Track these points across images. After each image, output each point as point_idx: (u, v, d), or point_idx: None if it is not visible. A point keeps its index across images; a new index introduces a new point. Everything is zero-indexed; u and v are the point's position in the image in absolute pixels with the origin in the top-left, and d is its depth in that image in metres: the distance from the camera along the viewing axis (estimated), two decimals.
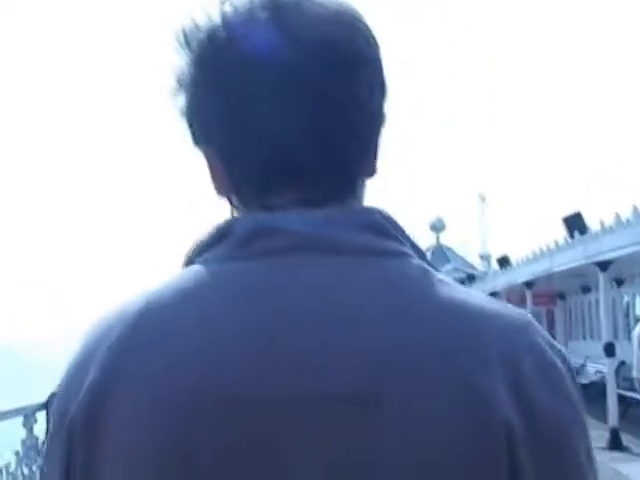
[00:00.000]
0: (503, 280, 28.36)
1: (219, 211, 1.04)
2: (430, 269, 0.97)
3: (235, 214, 1.03)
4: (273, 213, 0.97)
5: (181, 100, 1.03)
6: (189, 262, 1.00)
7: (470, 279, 39.42)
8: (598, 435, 14.28)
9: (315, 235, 0.95)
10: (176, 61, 1.03)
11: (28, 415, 7.23)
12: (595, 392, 18.26)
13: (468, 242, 64.37)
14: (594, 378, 20.43)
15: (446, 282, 0.96)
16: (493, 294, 30.43)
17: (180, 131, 1.05)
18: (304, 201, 0.98)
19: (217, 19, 1.00)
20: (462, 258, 61.68)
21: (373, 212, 0.99)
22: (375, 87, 1.02)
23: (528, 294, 23.82)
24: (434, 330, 0.91)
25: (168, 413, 0.89)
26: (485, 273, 41.16)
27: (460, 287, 0.97)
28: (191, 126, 1.03)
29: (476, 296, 0.97)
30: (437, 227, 62.90)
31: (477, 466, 0.88)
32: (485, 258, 56.15)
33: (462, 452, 0.88)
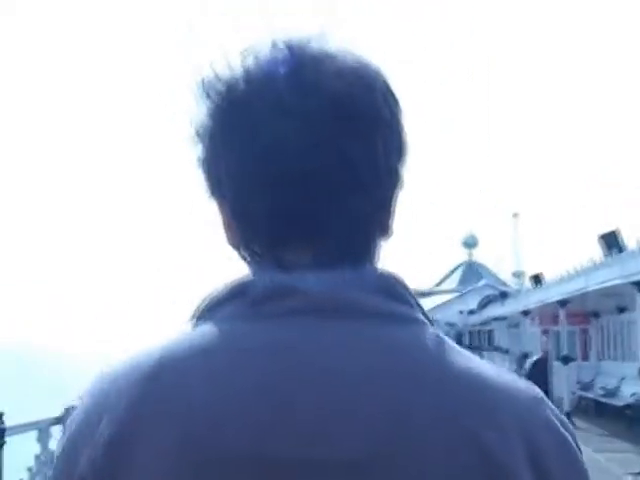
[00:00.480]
0: (536, 298, 27.93)
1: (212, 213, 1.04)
2: (445, 338, 0.98)
3: (247, 267, 1.02)
4: (289, 273, 0.96)
5: (198, 150, 1.02)
6: (200, 316, 0.99)
7: (502, 296, 39.07)
8: (634, 459, 13.88)
9: (331, 298, 0.95)
10: (195, 111, 1.02)
11: (42, 429, 7.00)
12: (630, 414, 17.81)
13: (501, 259, 63.82)
14: (629, 400, 19.95)
15: (461, 352, 0.97)
16: (525, 312, 30.07)
17: (196, 181, 1.05)
18: (318, 259, 0.97)
19: (238, 71, 1.00)
20: (495, 275, 61.19)
21: (388, 277, 0.99)
22: (391, 147, 1.01)
23: (562, 313, 23.44)
24: (448, 398, 0.91)
25: (178, 472, 0.89)
26: (518, 291, 40.62)
27: (474, 357, 0.98)
28: (206, 177, 1.03)
29: (489, 367, 0.98)
30: (470, 244, 62.60)
31: None
32: (518, 276, 55.62)
33: None
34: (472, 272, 59.63)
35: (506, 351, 36.50)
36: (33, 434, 6.88)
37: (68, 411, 7.33)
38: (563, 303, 23.30)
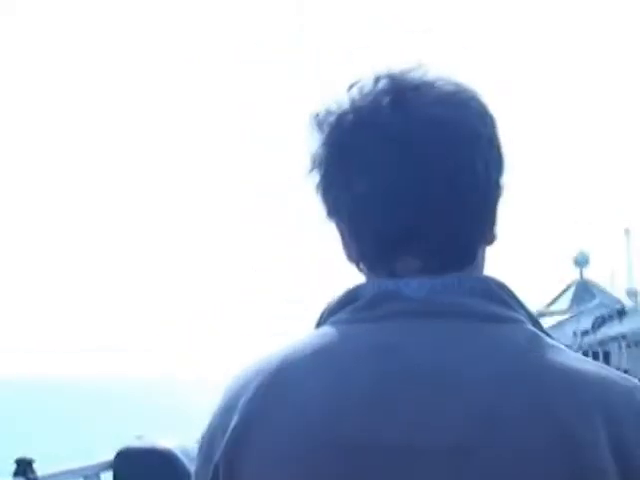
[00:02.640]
0: None
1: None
2: (541, 335, 1.06)
3: (365, 278, 1.13)
4: (395, 280, 1.08)
5: (315, 177, 1.14)
6: (322, 322, 1.13)
7: (620, 314, 36.84)
8: None
9: (431, 301, 1.07)
10: (310, 143, 1.14)
11: (89, 477, 5.83)
12: None
13: (614, 278, 61.02)
14: None
15: (556, 348, 1.05)
16: None
17: (316, 205, 1.16)
18: (425, 269, 1.09)
19: (345, 104, 1.12)
20: (609, 294, 58.58)
21: (487, 280, 1.10)
22: (490, 161, 1.11)
23: None
24: (542, 390, 1.00)
25: (298, 461, 1.02)
26: (635, 309, 38.29)
27: (569, 352, 1.05)
28: (323, 201, 1.15)
29: (583, 361, 1.05)
30: (580, 262, 60.22)
31: None
32: (632, 294, 52.83)
33: None
34: (585, 291, 57.19)
35: (625, 372, 34.16)
36: None
37: (121, 455, 6.02)
38: None
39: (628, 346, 35.46)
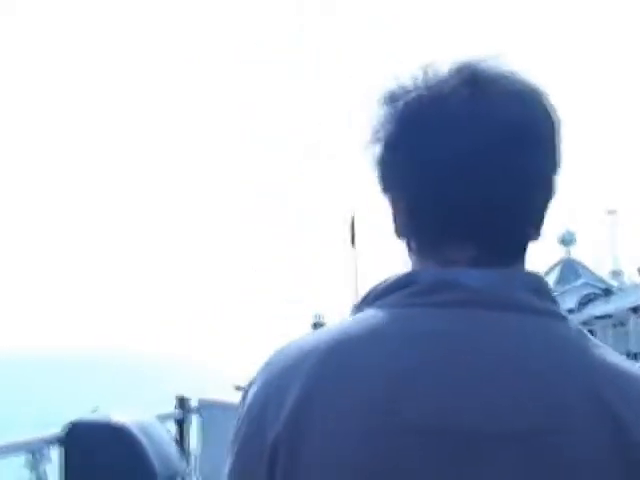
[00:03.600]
0: None
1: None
2: (586, 332, 1.11)
3: (410, 256, 1.17)
4: (454, 269, 1.10)
5: (375, 150, 1.16)
6: (366, 304, 1.13)
7: (606, 293, 36.61)
8: None
9: (491, 293, 1.09)
10: (376, 115, 1.15)
11: (36, 452, 5.31)
12: None
13: (599, 258, 60.83)
14: None
15: (599, 344, 1.10)
16: (635, 309, 27.72)
17: (372, 178, 1.18)
18: (479, 260, 1.11)
19: (420, 84, 1.13)
20: (593, 273, 58.45)
21: (537, 276, 1.13)
22: (551, 161, 1.14)
23: None
24: (593, 382, 1.05)
25: (364, 443, 1.01)
26: (621, 289, 38.01)
27: (610, 350, 1.11)
28: (381, 175, 1.17)
29: (623, 359, 1.11)
30: (567, 241, 59.99)
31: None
32: (617, 275, 52.68)
33: (614, 471, 1.02)
34: (570, 270, 56.97)
35: None
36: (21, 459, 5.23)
37: (71, 428, 5.48)
38: None
39: (613, 326, 35.18)
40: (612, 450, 1.03)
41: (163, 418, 6.57)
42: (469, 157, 1.10)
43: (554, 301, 1.12)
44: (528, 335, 1.07)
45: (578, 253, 60.30)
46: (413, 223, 1.15)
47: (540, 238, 1.16)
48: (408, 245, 1.17)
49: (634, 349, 27.75)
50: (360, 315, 1.11)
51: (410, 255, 1.17)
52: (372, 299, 1.13)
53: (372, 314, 1.10)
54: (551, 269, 68.71)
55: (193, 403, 7.00)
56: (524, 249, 1.15)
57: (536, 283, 1.12)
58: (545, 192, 1.15)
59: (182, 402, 6.84)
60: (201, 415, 6.97)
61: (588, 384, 1.05)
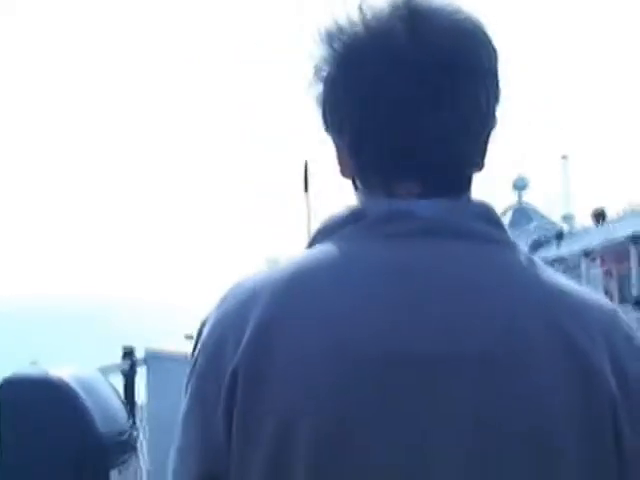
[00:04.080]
0: (600, 237, 25.55)
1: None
2: (534, 258, 1.13)
3: (358, 195, 1.18)
4: (406, 199, 1.12)
5: (317, 89, 1.18)
6: (319, 238, 1.13)
7: (558, 237, 36.73)
8: None
9: (444, 221, 1.11)
10: (315, 54, 1.17)
11: None
12: None
13: (550, 203, 61.22)
14: None
15: (549, 269, 1.13)
16: (587, 253, 27.81)
17: (314, 116, 1.19)
18: (426, 191, 1.12)
19: (359, 22, 1.14)
20: (546, 217, 58.83)
21: (486, 205, 1.16)
22: (491, 94, 1.16)
23: (633, 251, 21.11)
24: (547, 304, 1.08)
25: (331, 371, 1.02)
26: (573, 233, 38.16)
27: (560, 274, 1.14)
28: (324, 114, 1.18)
29: (573, 282, 1.14)
30: (519, 186, 60.27)
31: (589, 424, 1.04)
32: (568, 219, 53.06)
33: (576, 413, 1.04)
34: (522, 215, 57.32)
35: None
36: None
37: (5, 383, 5.04)
38: (636, 239, 20.96)
39: (565, 269, 35.36)
40: (569, 376, 1.04)
41: (108, 370, 6.23)
42: (407, 92, 1.11)
43: (504, 229, 1.14)
44: (481, 262, 1.09)
45: (531, 198, 60.76)
46: (356, 162, 1.16)
47: (483, 168, 1.18)
48: (354, 184, 1.19)
49: None
50: (314, 249, 1.12)
51: (357, 194, 1.19)
52: (325, 233, 1.14)
53: (326, 248, 1.10)
54: (503, 213, 69.22)
55: (140, 354, 6.65)
56: (469, 180, 1.17)
57: (486, 212, 1.14)
58: (485, 122, 1.16)
59: (128, 353, 6.48)
60: (149, 366, 6.63)
61: (542, 308, 1.07)
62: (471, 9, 1.16)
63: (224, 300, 1.12)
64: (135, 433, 5.73)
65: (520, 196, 59.72)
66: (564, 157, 66.25)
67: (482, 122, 1.16)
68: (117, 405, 5.17)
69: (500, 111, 1.18)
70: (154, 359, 6.53)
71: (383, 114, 1.12)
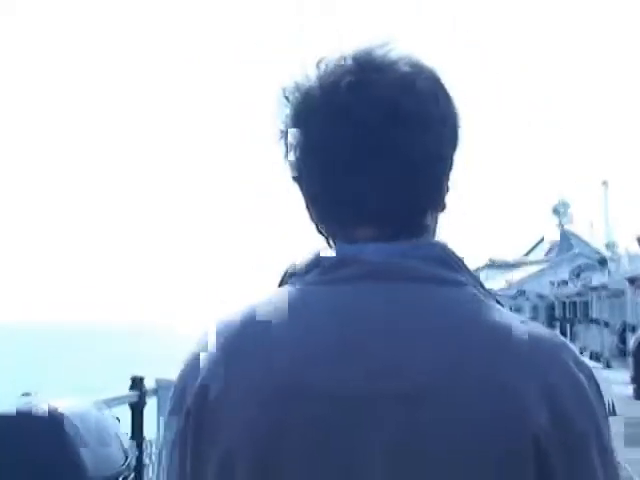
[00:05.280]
0: None
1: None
2: (481, 296, 1.16)
3: (324, 240, 1.24)
4: (354, 245, 1.18)
5: (282, 145, 1.24)
6: (282, 283, 1.21)
7: (601, 263, 35.81)
8: None
9: (387, 265, 1.15)
10: (280, 112, 1.23)
11: None
12: None
13: (592, 229, 60.11)
14: None
15: (493, 307, 1.15)
16: (632, 280, 26.93)
17: (283, 170, 1.25)
18: (381, 236, 1.17)
19: (313, 78, 1.21)
20: (587, 244, 57.76)
21: (437, 245, 1.20)
22: (443, 138, 1.20)
23: None
24: (482, 346, 1.11)
25: (266, 409, 1.10)
26: (616, 259, 37.18)
27: (505, 311, 1.17)
28: (289, 168, 1.24)
29: (517, 319, 1.16)
30: (560, 211, 59.31)
31: (507, 459, 1.08)
32: (611, 246, 51.95)
33: (494, 446, 1.07)
34: (564, 241, 56.27)
35: (606, 324, 33.17)
36: None
37: None
38: None
39: (608, 297, 34.35)
40: (497, 415, 1.07)
41: (113, 402, 5.67)
42: (354, 143, 1.16)
43: (456, 269, 1.17)
44: (421, 303, 1.13)
45: (572, 225, 59.77)
46: (314, 211, 1.23)
47: (444, 209, 1.24)
48: (317, 230, 1.24)
49: (631, 320, 26.93)
50: (273, 294, 1.20)
51: (319, 233, 1.25)
52: (290, 277, 1.21)
53: (285, 291, 1.19)
54: (543, 239, 68.23)
55: (150, 383, 6.07)
56: (423, 222, 1.21)
57: (437, 253, 1.18)
58: (437, 168, 1.20)
59: (136, 383, 5.91)
60: (160, 398, 6.06)
61: (479, 349, 1.10)
62: (427, 57, 1.24)
63: (195, 342, 1.21)
64: (133, 475, 5.11)
65: (560, 222, 58.69)
66: (604, 183, 65.15)
67: (433, 168, 1.20)
68: (115, 443, 4.60)
69: (459, 156, 1.24)
70: (166, 390, 5.98)
71: (331, 166, 1.18)
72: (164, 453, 1.19)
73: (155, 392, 6.02)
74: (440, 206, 1.24)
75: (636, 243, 29.93)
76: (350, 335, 1.11)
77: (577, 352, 1.18)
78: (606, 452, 1.13)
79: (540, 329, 1.17)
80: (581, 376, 1.13)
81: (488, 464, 1.07)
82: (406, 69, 1.19)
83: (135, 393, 5.84)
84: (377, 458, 1.08)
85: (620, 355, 28.72)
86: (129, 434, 5.97)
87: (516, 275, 53.61)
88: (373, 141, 1.16)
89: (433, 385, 1.08)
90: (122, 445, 4.65)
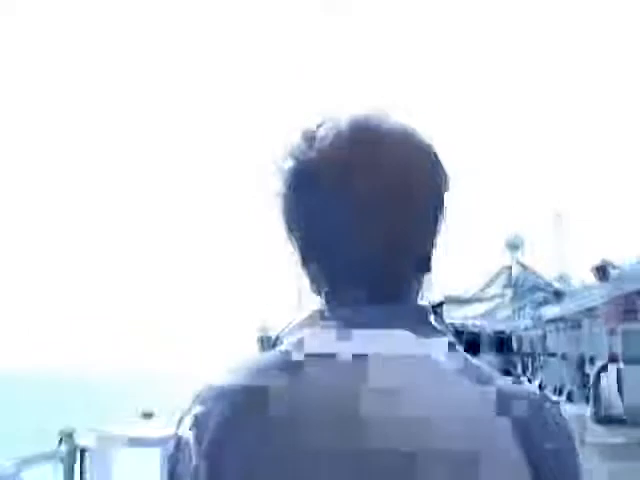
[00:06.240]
0: (602, 293, 24.49)
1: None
2: (462, 353, 1.25)
3: (320, 299, 1.30)
4: (351, 307, 1.25)
5: (278, 213, 1.30)
6: (277, 342, 1.37)
7: (557, 295, 35.76)
8: None
9: (377, 326, 1.23)
10: (274, 182, 1.29)
11: None
12: None
13: (545, 262, 60.41)
14: None
15: (475, 365, 1.24)
16: (590, 310, 26.80)
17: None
18: (370, 299, 1.25)
19: (309, 150, 1.27)
20: (541, 277, 58.00)
21: (418, 309, 1.29)
22: (437, 213, 1.28)
23: None
24: (464, 402, 1.18)
25: (259, 464, 1.15)
26: (572, 292, 37.15)
27: (485, 367, 1.25)
28: (287, 237, 1.30)
29: (497, 375, 1.24)
30: (514, 245, 59.57)
31: None
32: (564, 278, 52.19)
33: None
34: (518, 274, 56.38)
35: (562, 356, 33.03)
36: None
37: None
38: None
39: (565, 329, 34.25)
40: (480, 472, 1.14)
41: (41, 458, 5.12)
42: (349, 214, 1.23)
43: (437, 330, 1.26)
44: (405, 366, 1.20)
45: (525, 257, 59.97)
46: (307, 273, 1.30)
47: (430, 271, 1.31)
48: (315, 292, 1.31)
49: (589, 352, 26.74)
50: (270, 354, 1.26)
51: (313, 290, 1.31)
52: (283, 337, 1.31)
53: (279, 354, 1.24)
54: (498, 274, 68.40)
55: (82, 438, 5.52)
56: (409, 287, 1.29)
57: (416, 315, 1.27)
58: (427, 239, 1.28)
59: (67, 437, 5.37)
60: (93, 452, 5.51)
61: (458, 405, 1.17)
62: (423, 128, 1.29)
63: (194, 402, 1.24)
64: None
65: (514, 256, 58.94)
66: (557, 216, 65.66)
67: (424, 240, 1.28)
68: None
69: (444, 223, 1.30)
70: (101, 443, 5.44)
71: (325, 234, 1.25)
72: None
73: (89, 447, 5.50)
74: (427, 270, 1.31)
75: (591, 274, 29.86)
76: (342, 398, 1.17)
77: (558, 407, 1.25)
78: None
79: (521, 385, 1.25)
80: (562, 430, 1.22)
81: None
82: (403, 143, 1.26)
83: (65, 448, 5.33)
84: None
85: (580, 387, 28.54)
86: None
87: (472, 311, 53.49)
88: (367, 214, 1.22)
89: (417, 443, 1.14)
90: None
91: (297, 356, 1.22)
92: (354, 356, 1.20)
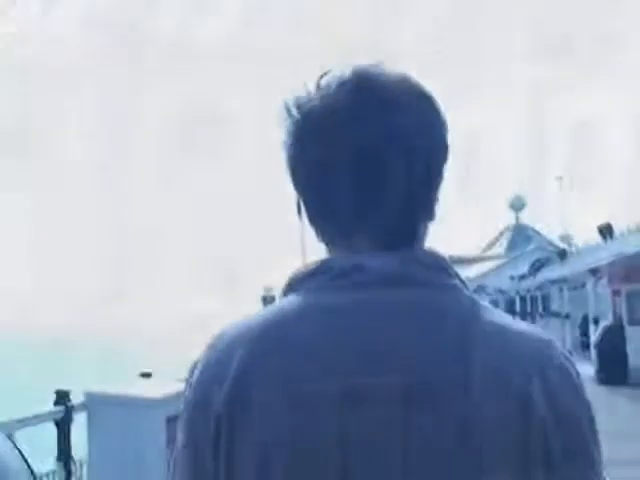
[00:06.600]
0: (606, 253, 24.29)
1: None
2: (476, 299, 1.27)
3: (326, 249, 1.33)
4: (359, 255, 1.26)
5: (285, 159, 1.33)
6: (290, 288, 1.30)
7: (561, 256, 35.56)
8: None
9: (392, 273, 1.24)
10: (282, 126, 1.32)
11: None
12: None
13: (548, 223, 60.15)
14: None
15: (489, 309, 1.26)
16: (593, 271, 26.61)
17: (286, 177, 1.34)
18: (379, 245, 1.27)
19: (315, 96, 1.30)
20: (544, 237, 57.79)
21: (432, 254, 1.29)
22: (437, 157, 1.31)
23: None
24: (480, 345, 1.20)
25: (296, 406, 1.18)
26: (576, 252, 36.96)
27: (500, 312, 1.28)
28: (290, 178, 1.33)
29: (510, 319, 1.27)
30: (516, 205, 59.39)
31: (522, 456, 1.16)
32: (566, 239, 51.96)
33: (510, 445, 1.16)
34: (521, 235, 56.29)
35: (566, 316, 32.92)
36: None
37: None
38: None
39: (569, 289, 34.08)
40: (503, 413, 1.16)
41: (35, 420, 4.97)
42: (353, 161, 1.25)
43: (449, 274, 1.27)
44: (418, 308, 1.22)
45: (529, 218, 59.84)
46: (314, 220, 1.32)
47: (434, 219, 1.32)
48: (317, 233, 1.33)
49: (592, 312, 26.61)
50: (286, 300, 1.28)
51: (320, 240, 1.33)
52: (296, 285, 1.28)
53: (296, 299, 1.26)
54: (501, 234, 68.30)
55: (78, 398, 5.37)
56: (415, 232, 1.30)
57: (431, 260, 1.27)
58: (431, 184, 1.30)
59: (62, 397, 5.21)
60: (90, 413, 5.36)
61: (473, 348, 1.19)
62: (423, 83, 1.32)
63: (210, 348, 1.27)
64: None
65: (517, 216, 58.74)
66: (559, 177, 65.48)
67: (428, 184, 1.29)
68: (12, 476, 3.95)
69: (448, 167, 1.32)
70: (96, 403, 5.29)
71: (331, 182, 1.26)
72: (182, 458, 1.24)
73: (84, 407, 5.35)
74: (430, 217, 1.32)
75: (596, 234, 29.64)
76: (356, 338, 1.20)
77: (561, 348, 1.27)
78: (596, 434, 1.24)
79: (531, 327, 1.28)
80: (573, 371, 1.24)
81: (503, 461, 1.16)
82: (400, 89, 1.29)
83: (60, 409, 5.18)
84: (400, 455, 1.16)
85: (582, 348, 28.46)
86: (55, 455, 5.27)
87: (475, 271, 53.45)
88: (371, 160, 1.25)
89: (440, 381, 1.17)
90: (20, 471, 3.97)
91: (311, 299, 1.25)
92: (367, 302, 1.22)
